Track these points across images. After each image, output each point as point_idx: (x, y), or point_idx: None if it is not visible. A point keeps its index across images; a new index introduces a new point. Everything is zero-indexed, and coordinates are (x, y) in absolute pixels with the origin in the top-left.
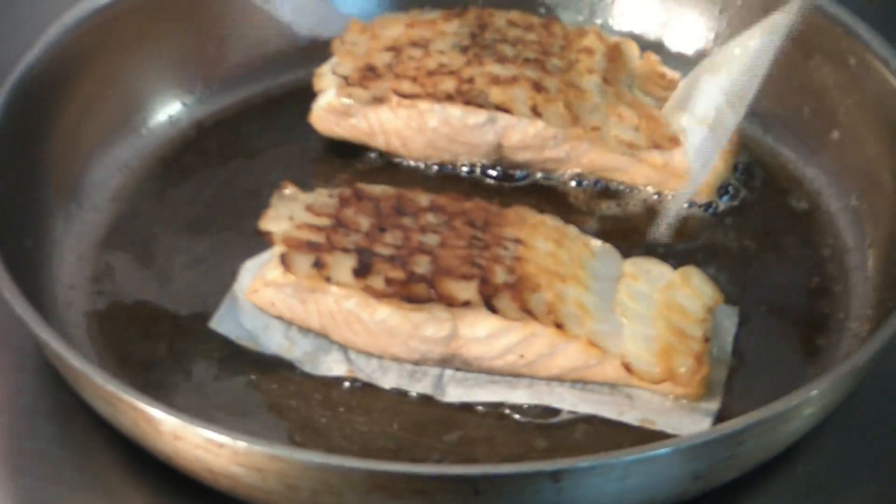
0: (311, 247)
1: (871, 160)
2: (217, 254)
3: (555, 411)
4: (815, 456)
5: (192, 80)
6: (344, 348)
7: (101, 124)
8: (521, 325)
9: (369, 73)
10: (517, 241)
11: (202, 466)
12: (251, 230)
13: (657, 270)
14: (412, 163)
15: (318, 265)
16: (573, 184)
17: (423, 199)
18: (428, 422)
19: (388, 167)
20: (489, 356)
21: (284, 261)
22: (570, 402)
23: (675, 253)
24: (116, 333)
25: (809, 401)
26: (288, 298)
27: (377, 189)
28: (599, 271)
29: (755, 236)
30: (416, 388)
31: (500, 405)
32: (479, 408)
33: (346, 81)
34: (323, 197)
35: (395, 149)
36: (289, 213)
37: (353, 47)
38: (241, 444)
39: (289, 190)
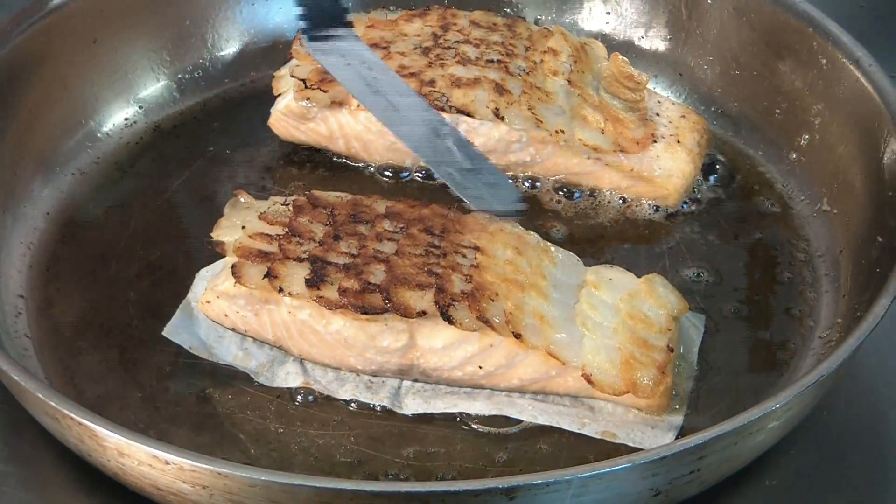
0: (264, 257)
1: (841, 164)
2: (171, 262)
3: (515, 421)
4: (782, 469)
5: (149, 83)
6: (300, 359)
7: (53, 129)
8: (479, 335)
9: (328, 75)
10: (476, 248)
11: (149, 483)
12: (207, 237)
13: (620, 279)
14: (373, 167)
15: (271, 276)
16: (539, 188)
17: (380, 205)
18: (385, 434)
19: (349, 171)
20: (447, 367)
21: (235, 272)
22: (529, 413)
23: (643, 258)
24: (67, 345)
25: (772, 414)
26: (241, 310)
27: (332, 196)
28: (560, 280)
29: (724, 241)
30: (374, 399)
31: (459, 416)
32: (438, 419)
33: (305, 84)
34: (277, 205)
35: (356, 153)
36: (242, 221)
37: None
38: (186, 461)
39: (242, 198)
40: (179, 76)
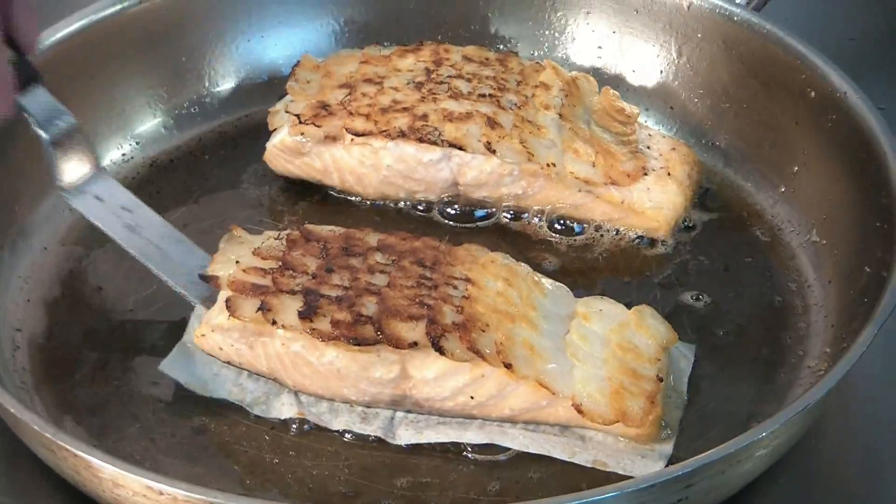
0: (257, 290)
1: (830, 195)
2: (167, 296)
3: (507, 449)
4: (771, 497)
5: (145, 118)
6: (295, 391)
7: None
8: (470, 365)
9: (322, 110)
10: (466, 279)
11: None
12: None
13: (610, 310)
14: (368, 201)
15: (264, 308)
16: (532, 220)
17: (372, 238)
18: (379, 465)
19: (343, 205)
20: (440, 397)
21: (229, 305)
22: (521, 442)
23: (634, 289)
24: (64, 377)
25: (760, 442)
26: (235, 343)
27: (325, 230)
28: (551, 311)
29: (715, 271)
30: (367, 430)
31: (452, 446)
32: (430, 449)
33: (299, 119)
34: (270, 239)
35: (350, 187)
36: (236, 256)
37: (306, 85)
38: (179, 492)
39: (237, 233)
40: (176, 112)
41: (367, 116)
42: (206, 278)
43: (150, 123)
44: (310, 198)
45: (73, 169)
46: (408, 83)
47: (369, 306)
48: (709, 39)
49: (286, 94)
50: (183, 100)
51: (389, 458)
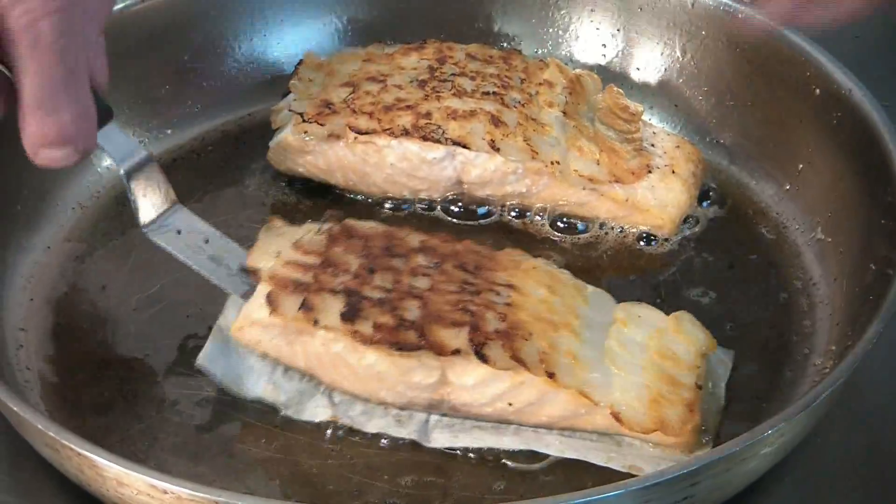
0: (299, 287)
1: (835, 193)
2: (170, 294)
3: (545, 457)
4: (776, 496)
5: (148, 117)
6: (328, 393)
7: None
8: (511, 373)
9: (325, 109)
10: (509, 286)
11: None
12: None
13: (649, 316)
14: (371, 199)
15: (306, 307)
16: (536, 218)
17: (414, 238)
18: (383, 463)
19: (347, 203)
20: (477, 403)
21: (271, 302)
22: (557, 448)
23: (639, 287)
24: (67, 376)
25: (765, 440)
26: (273, 338)
27: (366, 226)
28: (592, 318)
29: (719, 269)
30: (402, 433)
31: (489, 451)
32: (469, 454)
33: (303, 118)
34: (311, 233)
35: (354, 185)
36: (276, 249)
37: (309, 83)
38: (183, 490)
39: (276, 224)
40: (178, 111)
41: (371, 115)
42: (247, 271)
43: (152, 123)
44: (313, 196)
45: (150, 204)
46: (411, 81)
47: (412, 311)
48: (713, 37)
49: (289, 92)
50: (185, 99)
51: (394, 457)
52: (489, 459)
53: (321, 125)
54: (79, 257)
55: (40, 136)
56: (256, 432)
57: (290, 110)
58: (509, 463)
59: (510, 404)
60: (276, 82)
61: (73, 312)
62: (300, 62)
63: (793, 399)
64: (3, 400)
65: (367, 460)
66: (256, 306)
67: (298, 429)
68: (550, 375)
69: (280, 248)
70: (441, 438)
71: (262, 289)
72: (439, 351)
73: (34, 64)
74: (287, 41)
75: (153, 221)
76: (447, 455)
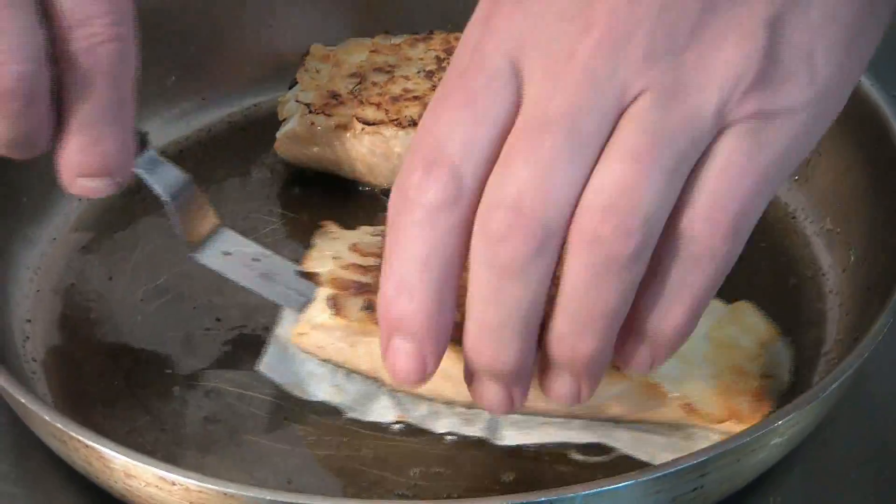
0: (360, 288)
1: (844, 183)
2: (177, 286)
3: (610, 450)
4: (786, 487)
5: (154, 108)
6: (393, 393)
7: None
8: None
9: (332, 99)
10: None
11: None
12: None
13: (710, 306)
14: (379, 190)
15: (369, 308)
16: None
17: None
18: (391, 454)
19: (355, 194)
20: (545, 398)
21: (334, 304)
22: (626, 443)
23: None
24: (74, 368)
25: (774, 431)
26: (336, 341)
27: None
28: None
29: None
30: (471, 431)
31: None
32: (441, 439)
33: (309, 109)
34: (367, 235)
35: (362, 176)
36: (333, 252)
37: (316, 75)
38: (192, 482)
39: (330, 228)
40: (184, 102)
41: (378, 105)
42: (305, 275)
43: (158, 114)
44: (320, 187)
45: (196, 228)
46: (418, 72)
47: None
48: None
49: (296, 83)
50: (191, 90)
51: (402, 448)
52: (498, 451)
53: (328, 116)
54: (85, 248)
55: (80, 164)
56: (264, 424)
57: (296, 101)
58: (578, 457)
59: (651, 371)
60: (283, 73)
61: (80, 304)
62: (307, 53)
63: (802, 389)
64: (10, 391)
65: (376, 452)
66: (317, 310)
67: (307, 420)
68: (618, 369)
69: (336, 251)
70: (511, 436)
71: (323, 292)
72: None
73: (87, 89)
74: (294, 32)
75: (200, 245)
76: (455, 446)
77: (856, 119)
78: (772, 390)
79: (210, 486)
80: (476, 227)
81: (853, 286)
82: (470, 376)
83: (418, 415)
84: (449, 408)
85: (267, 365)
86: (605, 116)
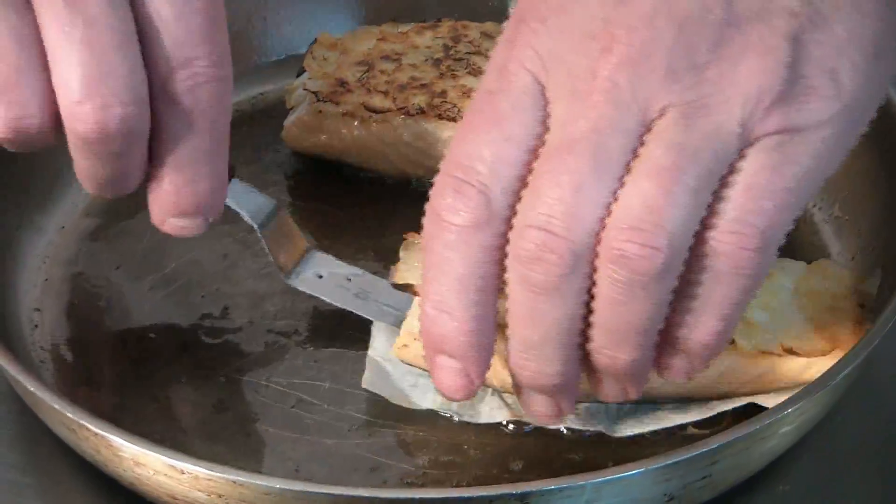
0: None
1: (852, 171)
2: (185, 274)
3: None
4: (795, 475)
5: None
6: (499, 394)
7: (66, 143)
8: None
9: (340, 88)
10: None
11: (165, 493)
12: (221, 250)
13: (790, 265)
14: (387, 179)
15: None
16: None
17: None
18: (399, 443)
19: (363, 184)
20: (658, 383)
21: None
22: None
23: None
24: (83, 356)
25: (784, 419)
26: None
27: None
28: None
29: None
30: (587, 426)
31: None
32: (449, 429)
33: (317, 97)
34: None
35: (370, 164)
36: (419, 261)
37: (324, 62)
38: (201, 470)
39: (415, 239)
40: None
41: (386, 93)
42: (399, 288)
43: None
44: (328, 176)
45: (286, 252)
46: (426, 60)
47: None
48: None
49: (303, 71)
50: None
51: (410, 437)
52: (507, 436)
53: (335, 104)
54: (93, 237)
55: (174, 204)
56: (273, 412)
57: (304, 89)
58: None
59: (689, 379)
60: (290, 61)
61: (88, 292)
62: (314, 41)
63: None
64: (19, 380)
65: (384, 440)
66: (416, 321)
67: (314, 409)
68: (730, 342)
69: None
70: (627, 427)
71: (418, 301)
72: None
73: (186, 130)
74: (301, 20)
75: (293, 269)
76: (462, 434)
77: None
78: (868, 317)
79: (219, 474)
80: (510, 248)
81: (862, 273)
82: (518, 388)
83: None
84: None
85: (369, 381)
86: (630, 135)
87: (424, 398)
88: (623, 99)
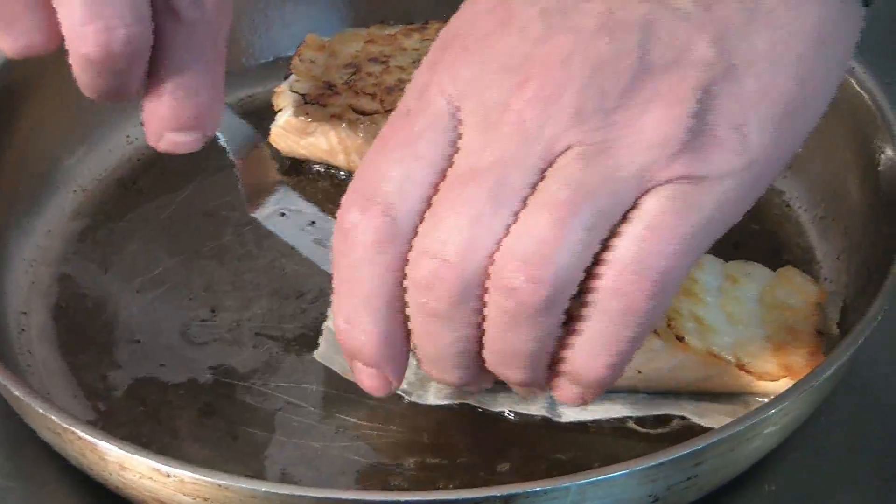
0: None
1: (838, 172)
2: (173, 277)
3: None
4: (781, 474)
5: None
6: None
7: (53, 146)
8: None
9: (327, 90)
10: None
11: (150, 496)
12: (208, 253)
13: (757, 272)
14: None
15: None
16: None
17: None
18: (387, 445)
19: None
20: None
21: None
22: (692, 411)
23: None
24: (70, 360)
25: (769, 419)
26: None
27: None
28: (708, 282)
29: (723, 248)
30: (531, 409)
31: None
32: (438, 427)
33: (305, 99)
34: None
35: (357, 166)
36: None
37: (311, 65)
38: (186, 474)
39: None
40: None
41: (373, 96)
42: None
43: None
44: (315, 178)
45: (258, 185)
46: (413, 62)
47: None
48: None
49: (291, 73)
50: None
51: (397, 439)
52: (494, 439)
53: (323, 106)
54: (80, 240)
55: (173, 118)
56: (260, 415)
57: (291, 92)
58: (638, 428)
59: (639, 372)
60: (278, 64)
61: (76, 295)
62: (302, 43)
63: None
64: (5, 384)
65: (371, 442)
66: None
67: (301, 412)
68: (681, 339)
69: None
70: (572, 413)
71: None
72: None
73: (188, 41)
74: (289, 22)
75: (259, 203)
76: (448, 436)
77: (849, 107)
78: (824, 346)
79: (204, 477)
80: (407, 271)
81: (847, 273)
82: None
83: (476, 396)
84: (504, 386)
85: (322, 354)
86: (532, 170)
87: None
88: (529, 135)
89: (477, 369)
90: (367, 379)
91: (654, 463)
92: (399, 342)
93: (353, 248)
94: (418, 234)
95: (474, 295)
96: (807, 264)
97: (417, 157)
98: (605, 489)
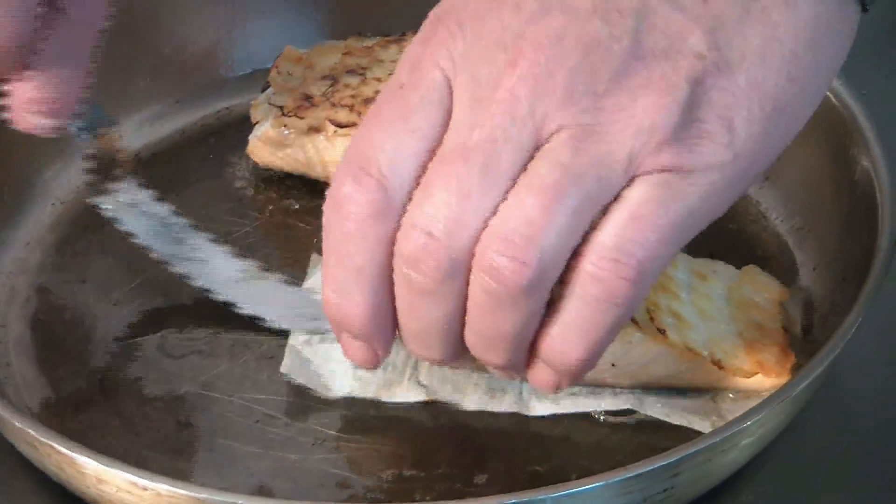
0: None
1: (813, 182)
2: (152, 289)
3: (633, 412)
4: (759, 485)
5: (126, 112)
6: (416, 377)
7: (31, 158)
8: (619, 333)
9: (305, 102)
10: None
11: None
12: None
13: (723, 270)
14: None
15: None
16: None
17: None
18: (365, 457)
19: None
20: None
21: None
22: (660, 410)
23: None
24: (47, 372)
25: (745, 431)
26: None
27: None
28: (681, 279)
29: (699, 258)
30: (501, 406)
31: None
32: (416, 439)
33: (282, 111)
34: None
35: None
36: None
37: (289, 77)
38: (162, 486)
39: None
40: (158, 105)
41: (351, 108)
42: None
43: (132, 117)
44: (293, 190)
45: (102, 174)
46: (391, 74)
47: None
48: None
49: (269, 86)
50: (164, 93)
51: (376, 450)
52: (471, 450)
53: (301, 119)
54: (59, 252)
55: (36, 102)
56: (237, 427)
57: (269, 104)
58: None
59: (613, 365)
60: (256, 76)
61: (54, 307)
62: (279, 55)
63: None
64: None
65: (349, 454)
66: None
67: (279, 424)
68: (662, 332)
69: None
70: (541, 407)
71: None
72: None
73: (66, 36)
74: (267, 34)
75: (102, 189)
76: (426, 448)
77: (825, 117)
78: (791, 344)
79: (180, 490)
80: (396, 243)
81: (824, 284)
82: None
83: (444, 394)
84: (473, 384)
85: (288, 368)
86: (522, 149)
87: (343, 384)
88: (520, 113)
89: (459, 348)
90: (355, 351)
91: (630, 475)
92: (389, 314)
93: (345, 220)
94: (409, 207)
95: (460, 272)
96: (785, 275)
97: (412, 130)
98: (581, 501)
